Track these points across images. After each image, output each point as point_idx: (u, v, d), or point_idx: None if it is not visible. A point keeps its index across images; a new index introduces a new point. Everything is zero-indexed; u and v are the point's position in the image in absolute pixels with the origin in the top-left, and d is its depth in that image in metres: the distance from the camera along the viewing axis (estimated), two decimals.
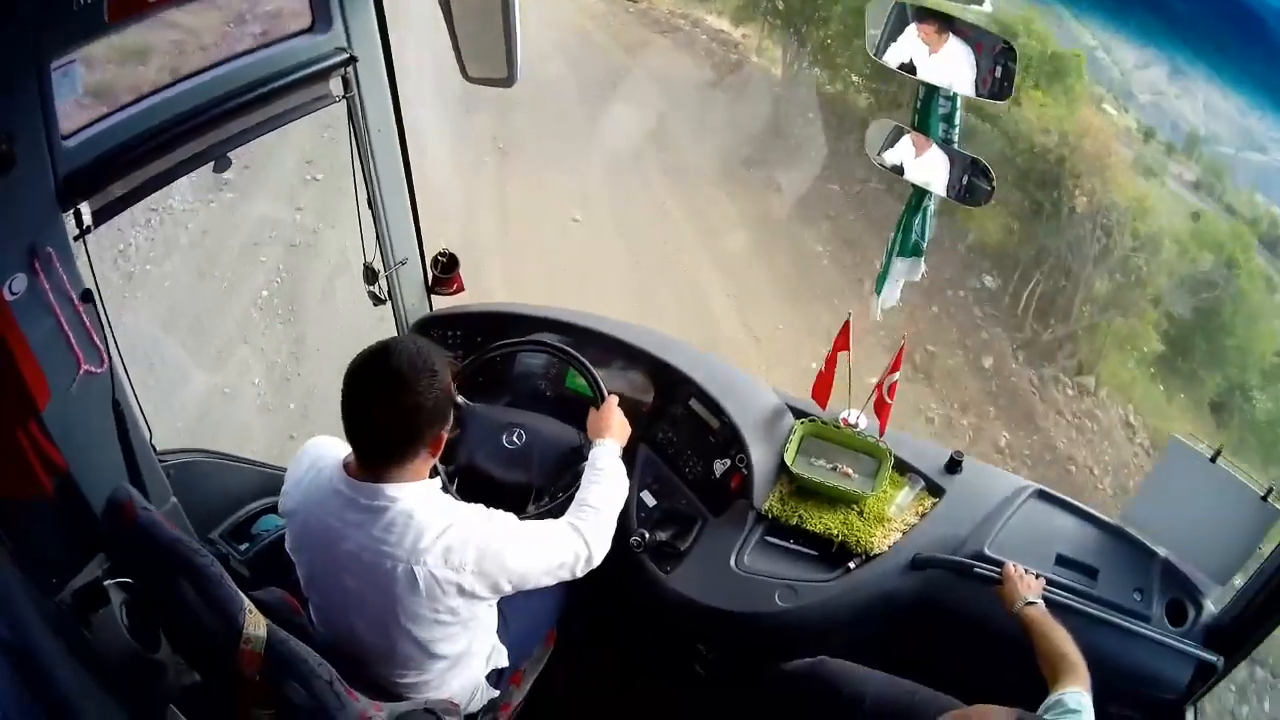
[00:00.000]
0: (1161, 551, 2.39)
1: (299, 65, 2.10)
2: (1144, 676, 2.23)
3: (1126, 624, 2.18)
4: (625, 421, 2.21)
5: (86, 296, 1.79)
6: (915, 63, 2.06)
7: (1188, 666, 2.23)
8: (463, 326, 2.77)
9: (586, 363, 2.38)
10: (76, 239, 1.78)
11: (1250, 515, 2.24)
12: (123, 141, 1.83)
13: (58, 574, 1.87)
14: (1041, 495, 2.47)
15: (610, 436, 2.14)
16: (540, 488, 2.29)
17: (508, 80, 2.18)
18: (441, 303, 2.90)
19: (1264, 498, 2.21)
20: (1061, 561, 2.33)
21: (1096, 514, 2.47)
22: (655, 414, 2.60)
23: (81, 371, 1.79)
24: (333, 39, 2.21)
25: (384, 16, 2.34)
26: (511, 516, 1.79)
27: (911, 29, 2.04)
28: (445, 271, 2.81)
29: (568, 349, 2.42)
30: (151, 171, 1.91)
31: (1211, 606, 2.35)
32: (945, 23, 2.02)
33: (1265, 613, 2.22)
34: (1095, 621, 2.18)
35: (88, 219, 1.78)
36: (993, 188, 2.11)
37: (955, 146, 2.14)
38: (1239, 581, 2.37)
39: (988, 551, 2.27)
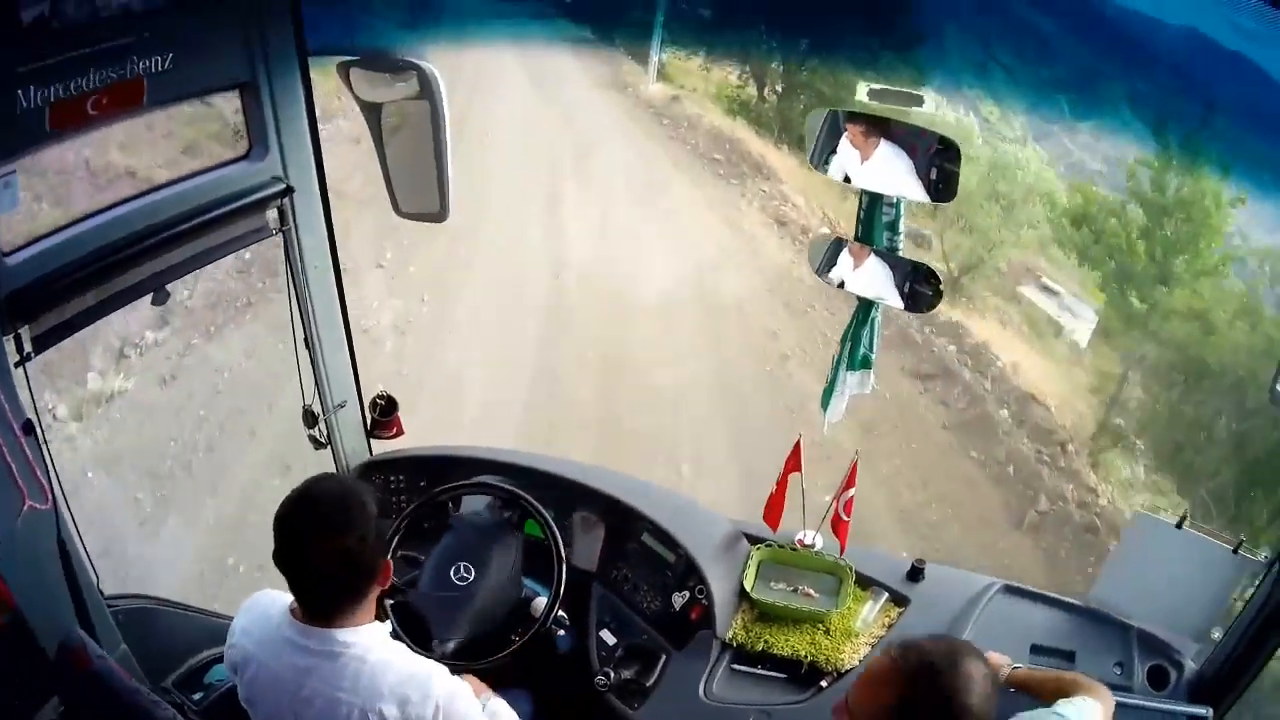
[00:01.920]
0: (1135, 623, 2.43)
1: (236, 194, 2.10)
2: None
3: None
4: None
5: (28, 428, 1.71)
6: (850, 172, 2.06)
7: None
8: (405, 471, 2.73)
9: (535, 503, 2.36)
10: (17, 365, 1.72)
11: (1223, 570, 2.30)
12: (64, 264, 1.78)
13: (12, 716, 1.81)
14: (1009, 590, 2.49)
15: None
16: (483, 634, 2.25)
17: (440, 215, 2.19)
18: (382, 447, 2.86)
19: (1236, 550, 2.28)
20: (1037, 650, 2.34)
21: (1067, 599, 2.50)
22: (608, 551, 2.58)
23: (26, 507, 1.71)
24: (269, 167, 2.19)
25: (319, 146, 2.33)
26: (468, 689, 1.68)
27: (845, 137, 2.05)
28: (384, 414, 2.76)
29: (514, 490, 2.40)
30: (92, 299, 1.87)
31: (1192, 664, 2.39)
32: (874, 126, 2.02)
33: (1247, 659, 2.27)
34: None
35: (28, 345, 1.73)
36: (938, 292, 2.12)
37: (899, 254, 2.14)
38: (1217, 634, 2.43)
39: None
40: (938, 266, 12.21)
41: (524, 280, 11.03)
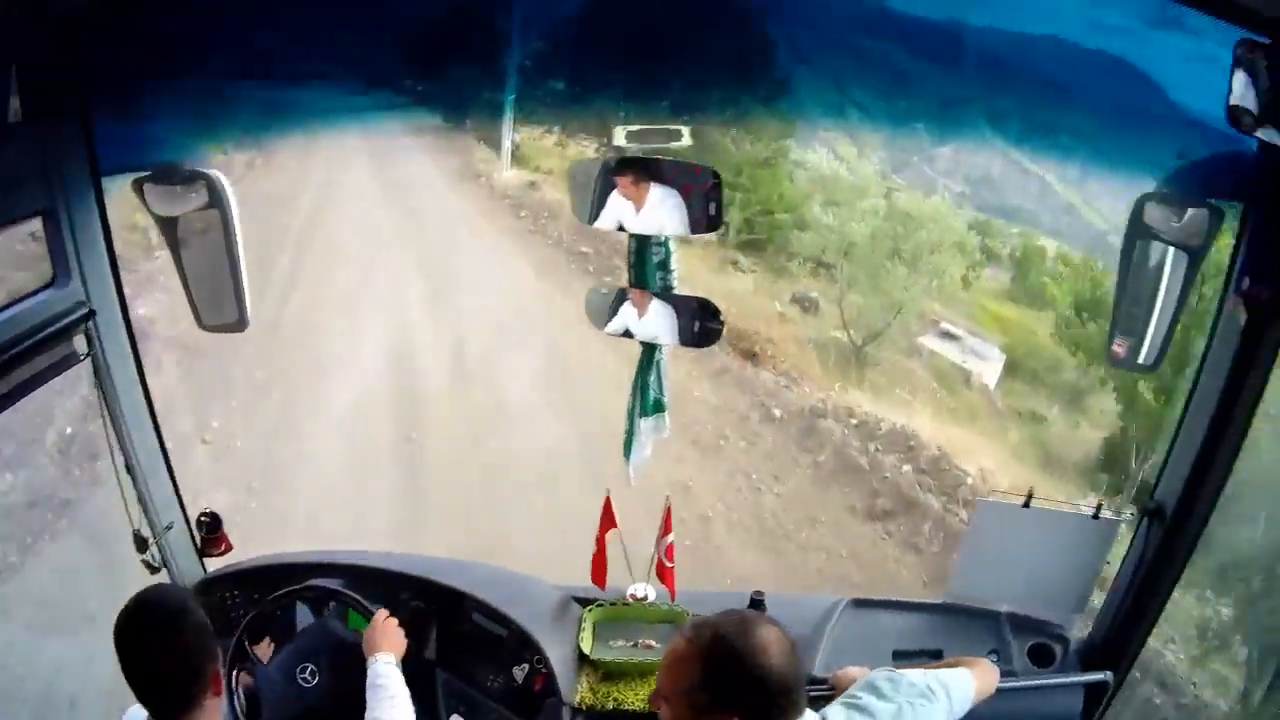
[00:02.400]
0: (1004, 608, 2.48)
1: (41, 324, 2.08)
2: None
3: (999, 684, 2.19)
4: (397, 632, 2.23)
5: None
6: (624, 222, 2.11)
7: (1075, 696, 2.34)
8: (240, 586, 2.72)
9: (350, 594, 2.40)
10: None
11: (1087, 537, 2.36)
12: None
13: None
14: (857, 604, 2.55)
15: (384, 650, 2.15)
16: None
17: (239, 325, 2.20)
18: (215, 563, 2.83)
19: (1095, 515, 2.35)
20: (900, 655, 2.37)
21: (923, 600, 2.56)
22: (442, 636, 2.60)
23: None
24: (72, 293, 2.19)
25: (118, 268, 2.32)
26: None
27: (616, 190, 2.10)
28: (211, 532, 2.73)
29: (341, 591, 2.43)
30: None
31: (1078, 634, 2.46)
32: (644, 172, 2.07)
33: (1135, 617, 2.34)
34: None
35: None
36: (721, 325, 2.18)
37: (675, 291, 2.19)
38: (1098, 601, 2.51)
39: (816, 674, 2.28)
40: (837, 336, 12.44)
41: (368, 410, 9.84)
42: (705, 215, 2.06)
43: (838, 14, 2.65)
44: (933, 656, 2.35)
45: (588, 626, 2.48)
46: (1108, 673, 2.32)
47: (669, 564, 2.46)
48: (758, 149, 13.75)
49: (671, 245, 2.15)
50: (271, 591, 2.46)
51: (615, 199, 2.09)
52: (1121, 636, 2.38)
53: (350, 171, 13.41)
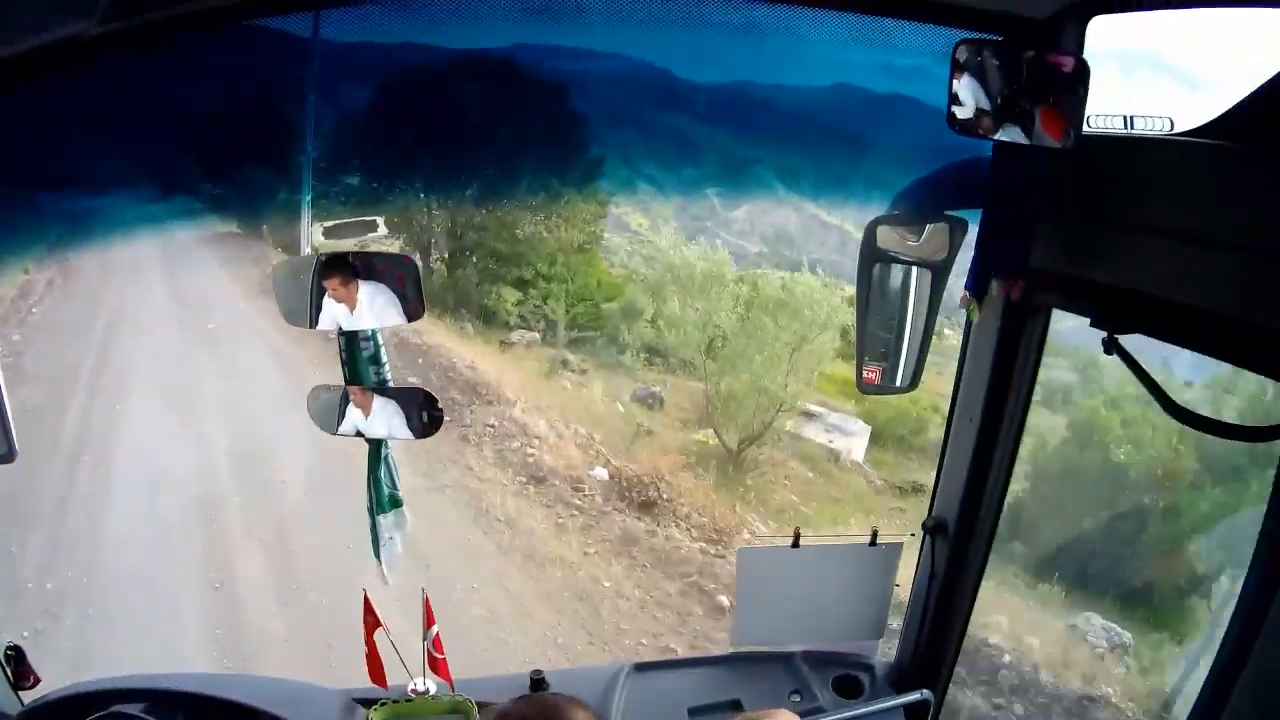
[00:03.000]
0: (796, 648, 2.44)
1: None
2: None
3: None
4: None
5: None
6: (340, 323, 2.02)
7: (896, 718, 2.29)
8: (55, 716, 2.55)
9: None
10: None
11: (870, 565, 2.34)
12: None
13: None
14: (641, 668, 2.48)
15: None
16: None
17: (8, 456, 2.06)
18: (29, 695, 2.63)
19: (873, 543, 2.33)
20: (696, 712, 2.32)
21: (710, 654, 2.63)
22: None
23: None
24: None
25: None
26: None
27: (326, 292, 2.01)
28: (19, 665, 2.56)
29: (132, 714, 2.36)
30: None
31: (882, 660, 2.45)
32: (350, 271, 2.00)
33: (940, 631, 2.33)
34: None
35: None
36: (442, 412, 2.10)
37: (390, 384, 2.10)
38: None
39: None
40: (710, 443, 10.91)
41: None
42: (418, 301, 2.00)
43: (624, 88, 2.58)
44: (732, 707, 2.29)
45: None
46: (924, 691, 2.27)
47: (439, 655, 2.36)
48: (573, 235, 12.89)
49: (380, 339, 2.07)
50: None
51: (328, 302, 2.00)
52: (931, 654, 2.36)
53: (149, 289, 12.19)
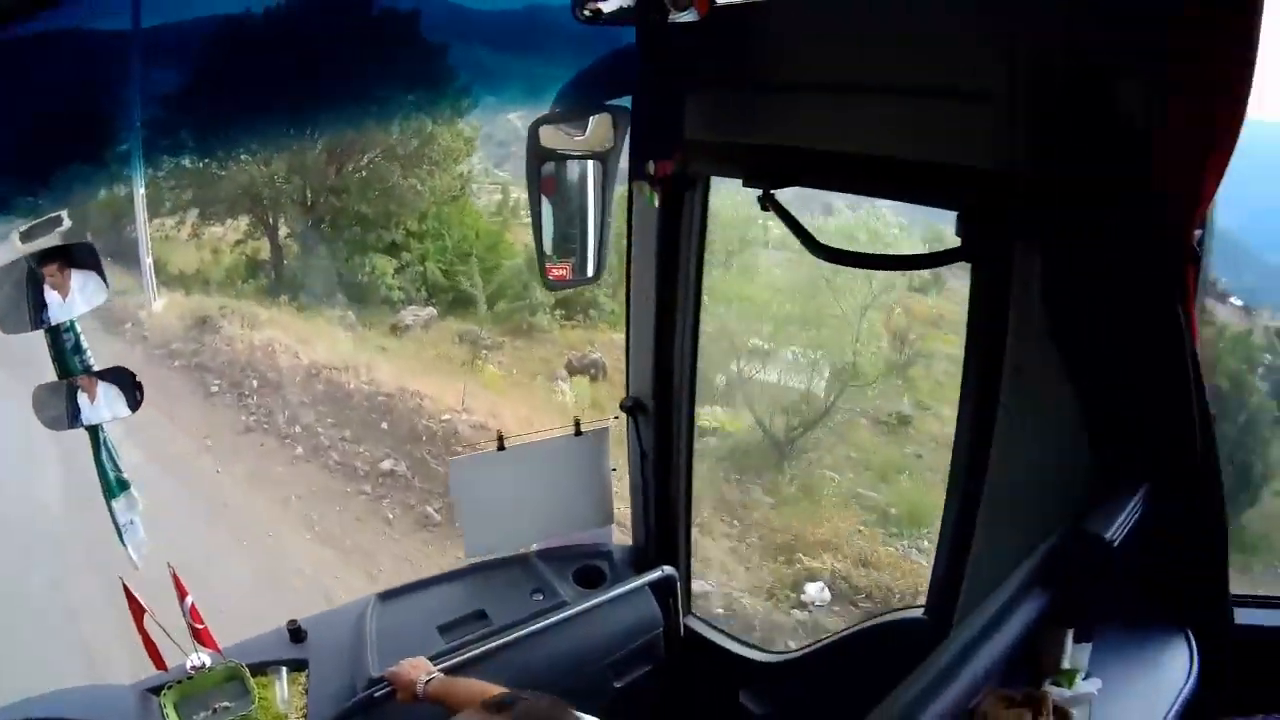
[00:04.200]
0: (533, 547, 2.51)
1: None
2: (619, 637, 2.36)
3: (553, 619, 2.26)
4: None
5: None
6: (54, 315, 1.99)
7: (646, 599, 2.39)
8: None
9: None
10: None
11: (581, 455, 2.42)
12: None
13: None
14: (385, 596, 2.51)
15: None
16: None
17: None
18: None
19: (578, 432, 2.41)
20: (445, 628, 2.37)
21: (447, 572, 2.55)
22: None
23: None
24: None
25: None
26: None
27: (46, 284, 1.97)
28: None
29: None
30: None
31: (618, 545, 2.53)
32: (62, 258, 1.97)
33: (664, 503, 2.43)
34: (531, 638, 2.25)
35: None
36: (141, 387, 2.11)
37: (94, 367, 2.08)
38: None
39: (375, 673, 2.24)
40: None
41: None
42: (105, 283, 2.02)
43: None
44: (478, 618, 2.36)
45: (170, 712, 2.34)
46: (665, 567, 2.37)
47: (199, 625, 2.35)
48: (445, 181, 10.87)
49: (78, 328, 2.04)
50: None
51: (49, 293, 1.98)
52: (663, 531, 2.46)
53: None
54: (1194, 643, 1.57)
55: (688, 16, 1.91)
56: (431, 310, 10.40)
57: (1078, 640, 1.44)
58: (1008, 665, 1.29)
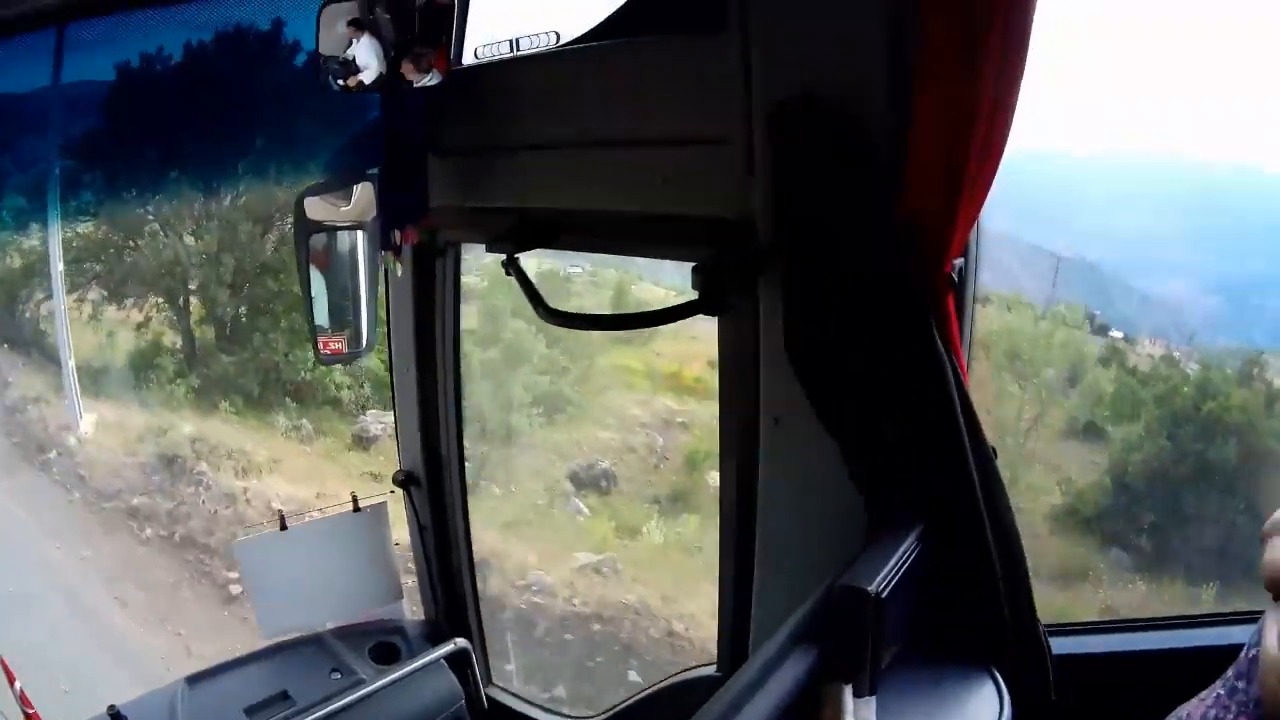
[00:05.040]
0: (329, 625, 2.47)
1: None
2: (421, 713, 2.30)
3: (351, 698, 2.20)
4: None
5: None
6: None
7: (443, 673, 2.34)
8: None
9: None
10: None
11: (364, 530, 2.40)
12: None
13: None
14: (193, 679, 2.44)
15: None
16: None
17: None
18: None
19: (355, 509, 2.39)
20: (252, 710, 2.31)
21: (254, 650, 2.48)
22: None
23: None
24: None
25: None
26: None
27: None
28: None
29: None
30: None
31: (413, 619, 2.50)
32: None
33: (451, 581, 2.41)
34: (333, 717, 2.18)
35: None
36: None
37: None
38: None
39: None
40: None
41: None
42: None
43: None
44: (281, 700, 2.30)
45: None
46: (459, 640, 2.34)
47: (30, 710, 2.35)
48: None
49: None
50: None
51: None
52: (451, 603, 2.43)
53: None
54: (999, 680, 1.48)
55: (430, 80, 1.92)
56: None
57: (858, 694, 1.36)
58: None
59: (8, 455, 8.10)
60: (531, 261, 2.13)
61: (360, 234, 2.16)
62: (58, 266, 8.46)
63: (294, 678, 2.35)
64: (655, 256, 1.82)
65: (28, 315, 9.03)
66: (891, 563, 1.37)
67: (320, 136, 2.17)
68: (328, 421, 8.57)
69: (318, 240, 2.16)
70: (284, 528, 2.32)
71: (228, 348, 8.87)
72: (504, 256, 1.86)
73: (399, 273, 2.10)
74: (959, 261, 1.46)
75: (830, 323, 1.44)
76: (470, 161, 1.99)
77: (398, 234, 2.07)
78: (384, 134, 2.07)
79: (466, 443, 2.41)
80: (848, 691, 1.34)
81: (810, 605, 1.36)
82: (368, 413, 8.47)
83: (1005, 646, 1.51)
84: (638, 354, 8.33)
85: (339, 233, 2.17)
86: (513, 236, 1.85)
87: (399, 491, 2.48)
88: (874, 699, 1.38)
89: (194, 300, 8.98)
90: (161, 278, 8.87)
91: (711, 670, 2.05)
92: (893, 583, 1.33)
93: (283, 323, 8.80)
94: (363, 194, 2.15)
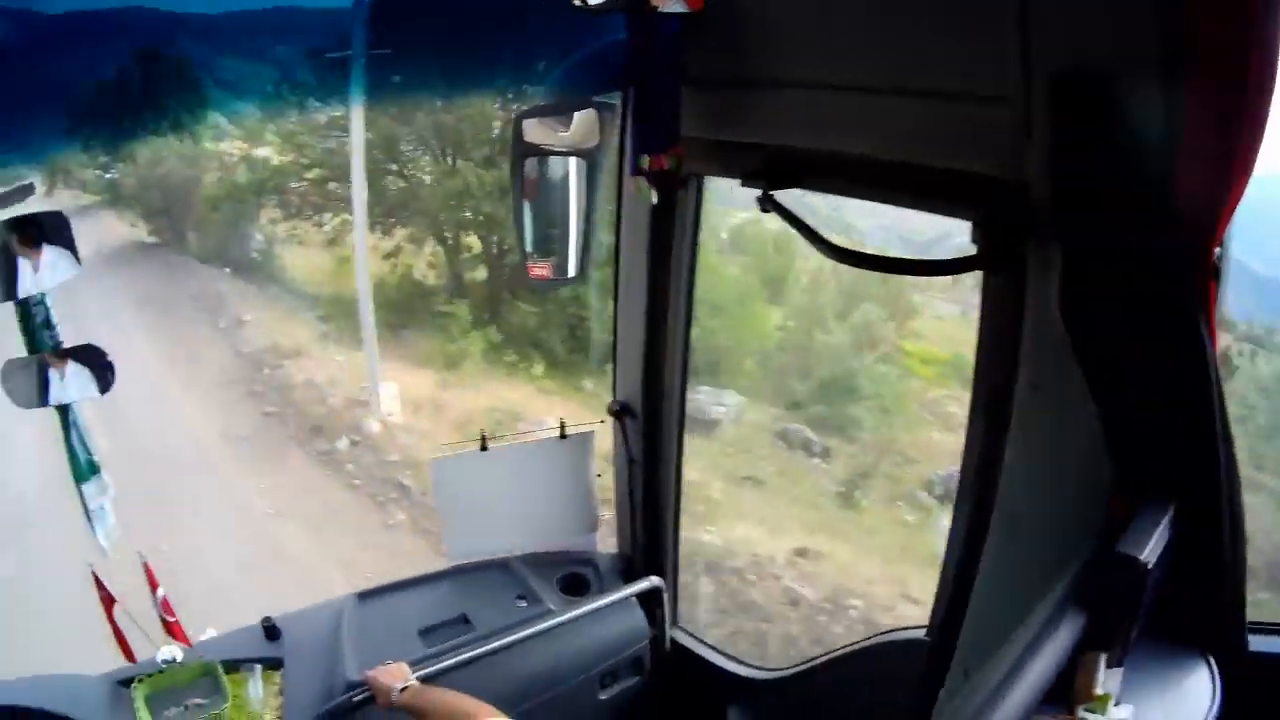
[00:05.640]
0: (515, 552, 2.47)
1: None
2: (605, 648, 2.31)
3: (539, 628, 2.21)
4: None
5: None
6: (25, 287, 1.96)
7: (632, 609, 2.34)
8: None
9: None
10: None
11: (565, 458, 2.38)
12: None
13: None
14: (364, 596, 2.47)
15: None
16: None
17: None
18: None
19: (562, 435, 2.37)
20: (427, 632, 2.33)
21: (426, 574, 2.51)
22: None
23: None
24: None
25: None
26: None
27: (19, 255, 1.94)
28: None
29: None
30: None
31: (604, 552, 2.48)
32: (33, 228, 1.94)
33: (655, 518, 2.36)
34: (515, 646, 2.20)
35: None
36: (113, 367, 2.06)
37: (63, 346, 2.05)
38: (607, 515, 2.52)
39: (354, 677, 2.18)
40: None
41: None
42: (76, 255, 1.97)
43: None
44: (461, 623, 2.32)
45: (140, 704, 2.32)
46: (653, 578, 2.32)
47: (171, 619, 2.34)
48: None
49: (49, 302, 2.02)
50: None
51: (22, 264, 1.95)
52: (651, 541, 2.40)
53: None
54: (1215, 669, 1.46)
55: (677, 6, 1.86)
56: (739, 398, 7.08)
57: (1109, 665, 1.36)
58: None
59: (275, 441, 7.17)
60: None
61: (577, 160, 2.15)
62: (360, 194, 7.23)
63: (476, 602, 2.37)
64: (917, 208, 1.74)
65: (258, 238, 8.64)
66: (1154, 537, 1.34)
67: (550, 55, 2.14)
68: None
69: (531, 164, 2.14)
70: (484, 448, 2.32)
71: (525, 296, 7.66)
72: (758, 193, 1.81)
73: (653, 199, 2.00)
74: (1218, 249, 1.41)
75: (1108, 290, 1.39)
76: (721, 94, 1.92)
77: (647, 159, 1.98)
78: (631, 58, 2.02)
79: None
80: (1103, 661, 1.34)
81: (1075, 572, 1.35)
82: (701, 391, 6.88)
83: (1220, 635, 1.49)
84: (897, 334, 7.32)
85: (555, 158, 2.16)
86: (768, 173, 1.80)
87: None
88: (1120, 670, 1.37)
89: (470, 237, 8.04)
90: (441, 209, 7.96)
91: (919, 634, 2.01)
92: (1155, 557, 1.32)
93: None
94: (586, 120, 2.12)
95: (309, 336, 7.89)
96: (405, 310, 7.60)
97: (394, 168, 8.15)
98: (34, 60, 2.32)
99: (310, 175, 8.11)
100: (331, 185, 8.11)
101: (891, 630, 2.19)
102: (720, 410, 6.85)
